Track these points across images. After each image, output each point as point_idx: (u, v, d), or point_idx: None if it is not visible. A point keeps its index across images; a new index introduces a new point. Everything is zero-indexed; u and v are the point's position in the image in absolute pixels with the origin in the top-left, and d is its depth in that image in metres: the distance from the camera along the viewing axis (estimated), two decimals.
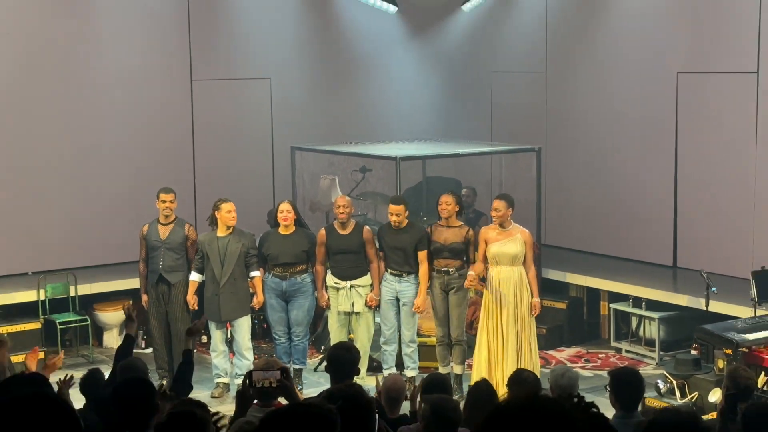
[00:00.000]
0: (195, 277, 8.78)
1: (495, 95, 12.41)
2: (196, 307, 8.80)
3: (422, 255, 8.62)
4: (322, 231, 8.89)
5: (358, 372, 5.44)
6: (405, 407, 5.58)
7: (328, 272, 8.86)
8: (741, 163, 9.89)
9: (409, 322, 8.75)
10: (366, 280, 8.80)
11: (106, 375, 6.50)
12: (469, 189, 10.81)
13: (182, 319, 8.78)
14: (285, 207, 8.82)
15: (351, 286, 8.74)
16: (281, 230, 8.82)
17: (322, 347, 9.68)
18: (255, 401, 4.47)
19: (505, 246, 8.34)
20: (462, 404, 5.45)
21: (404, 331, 8.77)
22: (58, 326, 9.76)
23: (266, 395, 4.41)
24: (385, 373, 8.62)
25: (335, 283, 8.81)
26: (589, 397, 4.53)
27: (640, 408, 5.23)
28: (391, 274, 8.70)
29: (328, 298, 8.83)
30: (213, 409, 4.01)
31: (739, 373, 5.65)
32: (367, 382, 8.08)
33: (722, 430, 5.22)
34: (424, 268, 8.63)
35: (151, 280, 8.81)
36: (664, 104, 10.52)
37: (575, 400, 3.32)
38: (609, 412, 4.98)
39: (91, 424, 4.64)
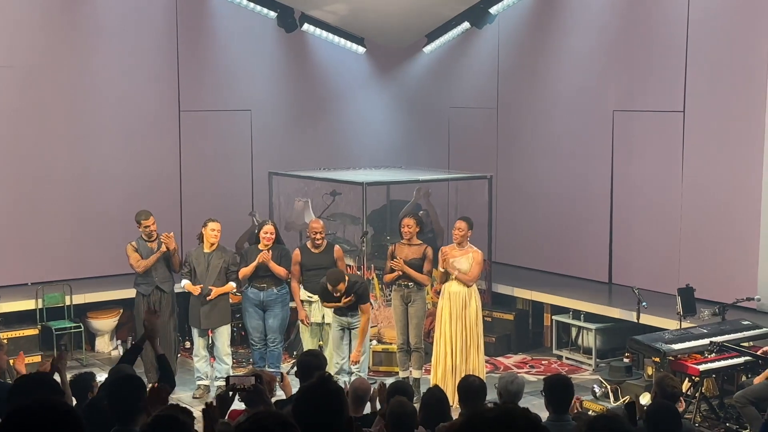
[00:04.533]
0: (186, 282, 8.71)
1: (452, 128, 12.47)
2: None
3: (364, 307, 8.24)
4: (297, 251, 8.84)
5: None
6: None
7: (301, 288, 8.81)
8: (669, 192, 9.99)
9: (359, 351, 8.27)
10: None
11: (99, 377, 6.44)
12: (425, 211, 10.82)
13: (171, 322, 8.78)
14: (269, 229, 8.80)
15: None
16: (261, 247, 8.79)
17: (294, 353, 9.64)
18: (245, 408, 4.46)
19: (458, 263, 8.38)
20: (419, 406, 5.46)
21: (354, 359, 8.31)
22: (54, 332, 9.64)
23: (252, 401, 4.41)
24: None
25: (308, 296, 8.77)
26: (532, 400, 4.57)
27: (574, 411, 5.24)
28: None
29: (306, 316, 8.74)
30: (194, 409, 3.99)
31: (666, 381, 5.69)
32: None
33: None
34: (364, 320, 8.27)
35: (145, 291, 8.74)
36: (601, 138, 10.61)
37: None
38: (544, 414, 5.00)
39: None
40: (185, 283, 8.70)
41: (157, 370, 8.51)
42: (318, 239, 8.70)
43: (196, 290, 8.65)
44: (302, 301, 8.79)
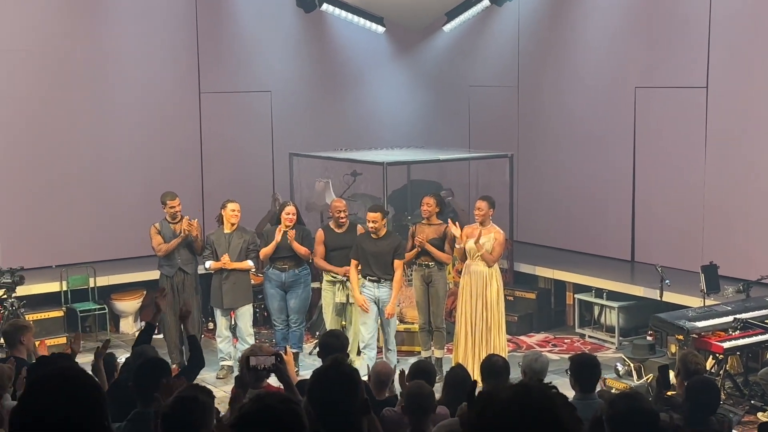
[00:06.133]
0: (209, 264, 8.71)
1: (472, 107, 12.38)
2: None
3: (398, 263, 8.38)
4: (320, 231, 8.78)
5: (347, 357, 5.41)
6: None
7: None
8: (692, 170, 9.88)
9: (387, 328, 8.45)
10: None
11: (121, 358, 6.47)
12: (447, 190, 10.77)
13: (195, 303, 8.78)
14: (291, 210, 8.77)
15: (347, 280, 8.65)
16: (283, 228, 8.74)
17: (317, 333, 9.64)
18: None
19: (480, 242, 8.32)
20: (441, 385, 5.44)
21: (386, 330, 8.48)
22: (79, 314, 9.70)
23: (260, 378, 4.39)
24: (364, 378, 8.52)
25: (332, 276, 8.71)
26: (556, 379, 4.54)
27: (597, 389, 5.21)
28: (369, 280, 8.41)
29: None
30: (218, 389, 3.98)
31: (690, 358, 5.64)
32: (357, 363, 8.04)
33: (657, 397, 5.24)
34: (398, 275, 8.37)
35: (169, 273, 8.75)
36: (623, 115, 10.50)
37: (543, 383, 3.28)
38: (569, 393, 4.96)
39: None
40: (209, 264, 8.70)
41: (181, 353, 8.63)
42: (342, 218, 8.66)
43: (219, 264, 8.63)
44: (327, 281, 8.73)
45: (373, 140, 11.85)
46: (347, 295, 8.67)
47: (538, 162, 11.50)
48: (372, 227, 8.34)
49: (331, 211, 8.79)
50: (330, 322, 8.75)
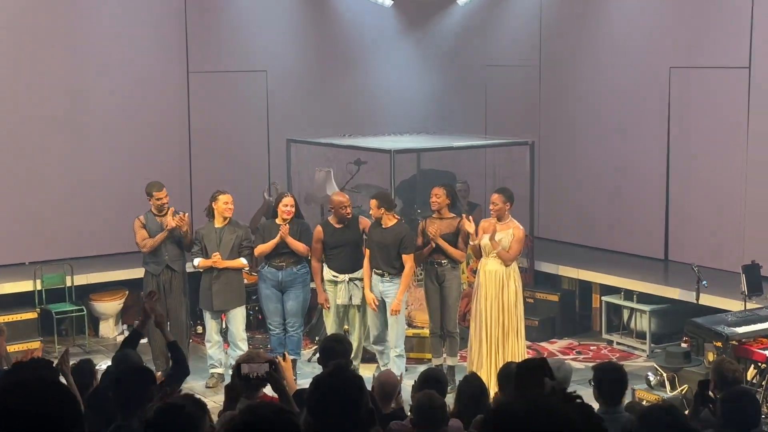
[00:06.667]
0: (197, 262, 8.74)
1: (489, 88, 12.37)
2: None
3: (406, 257, 8.43)
4: (319, 228, 8.77)
5: (350, 363, 5.42)
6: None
7: (325, 266, 8.78)
8: (732, 158, 9.86)
9: (394, 326, 8.53)
10: (363, 272, 8.72)
11: (101, 365, 6.48)
12: (463, 183, 10.77)
13: (183, 304, 8.83)
14: (289, 201, 8.77)
15: (349, 279, 8.68)
16: (279, 221, 8.76)
17: (316, 338, 9.66)
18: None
19: (495, 239, 8.31)
20: (454, 396, 5.44)
21: (391, 333, 8.56)
22: (55, 316, 9.73)
23: (253, 388, 4.39)
24: (382, 368, 8.57)
25: (333, 276, 8.72)
26: (580, 390, 4.55)
27: (626, 402, 5.20)
28: (374, 273, 8.53)
29: (327, 299, 8.71)
30: (207, 400, 3.99)
31: (726, 366, 5.63)
32: (362, 372, 8.05)
33: (694, 414, 5.23)
34: (407, 269, 8.44)
35: (155, 271, 8.77)
36: (656, 98, 10.48)
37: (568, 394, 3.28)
38: (593, 406, 4.96)
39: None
40: (198, 261, 8.72)
41: (168, 360, 8.63)
42: (347, 214, 8.65)
43: (209, 262, 8.65)
44: (327, 281, 8.75)
45: (379, 126, 11.85)
46: (350, 297, 8.69)
47: (562, 150, 11.49)
48: (373, 215, 8.47)
49: (333, 205, 8.76)
50: (331, 325, 8.77)
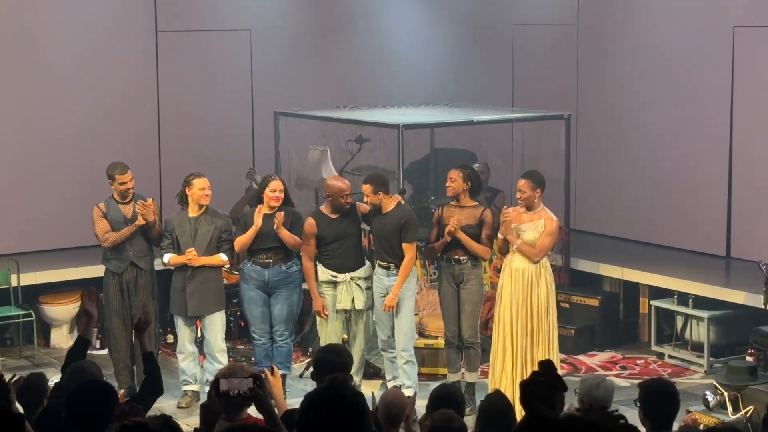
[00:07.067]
0: (168, 258, 8.74)
1: (517, 52, 12.38)
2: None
3: (407, 246, 8.48)
4: (311, 220, 8.72)
5: (350, 379, 5.42)
6: None
7: (319, 266, 8.77)
8: None
9: (402, 326, 8.56)
10: (366, 270, 8.73)
11: (53, 380, 6.48)
12: (482, 164, 10.76)
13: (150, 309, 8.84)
14: (277, 185, 8.75)
15: (351, 279, 8.67)
16: (266, 210, 8.74)
17: (309, 350, 9.67)
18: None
19: (523, 231, 8.31)
20: (474, 418, 5.44)
21: (397, 336, 8.59)
22: None
23: (234, 408, 4.40)
24: (389, 384, 8.59)
25: (332, 276, 8.70)
26: (625, 412, 4.56)
27: (679, 426, 5.21)
28: (379, 266, 8.61)
29: (324, 306, 8.68)
30: (180, 422, 4.00)
31: None
32: (364, 390, 8.06)
33: None
34: (406, 259, 8.48)
35: (117, 269, 8.77)
36: (717, 63, 10.48)
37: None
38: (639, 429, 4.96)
39: None
40: (169, 258, 8.73)
41: (132, 374, 8.66)
42: (347, 204, 8.64)
43: (182, 259, 8.66)
44: (324, 283, 8.74)
45: (385, 96, 11.86)
46: (352, 300, 8.67)
47: (604, 125, 11.50)
48: (369, 203, 8.55)
49: (331, 193, 8.71)
50: (327, 334, 8.76)
